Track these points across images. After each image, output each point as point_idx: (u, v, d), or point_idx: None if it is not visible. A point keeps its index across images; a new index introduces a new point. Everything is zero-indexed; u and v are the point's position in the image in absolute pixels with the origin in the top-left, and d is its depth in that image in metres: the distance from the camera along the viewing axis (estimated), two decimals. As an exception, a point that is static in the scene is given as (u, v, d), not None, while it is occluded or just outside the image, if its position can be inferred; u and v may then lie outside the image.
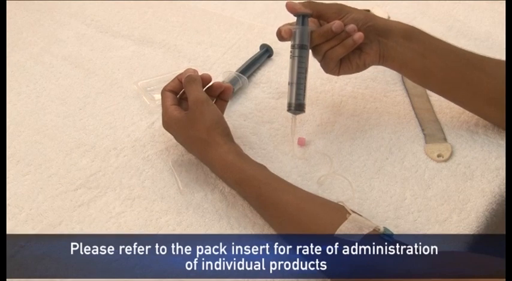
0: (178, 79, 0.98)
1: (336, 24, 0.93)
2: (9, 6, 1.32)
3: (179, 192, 0.95)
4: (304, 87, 0.96)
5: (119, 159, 1.01)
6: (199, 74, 0.97)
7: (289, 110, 0.97)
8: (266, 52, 1.19)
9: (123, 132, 1.05)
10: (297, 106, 0.96)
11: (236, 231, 0.89)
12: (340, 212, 0.81)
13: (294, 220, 0.83)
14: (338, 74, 0.99)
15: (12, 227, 0.91)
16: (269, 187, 0.87)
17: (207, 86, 0.97)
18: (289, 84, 0.97)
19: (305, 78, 0.96)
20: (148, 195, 0.95)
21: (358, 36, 0.94)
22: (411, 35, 0.96)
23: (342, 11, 0.96)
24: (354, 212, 0.81)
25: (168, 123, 0.96)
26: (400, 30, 0.96)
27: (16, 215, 0.93)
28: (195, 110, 0.93)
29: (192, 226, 0.91)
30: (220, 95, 0.99)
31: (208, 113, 0.92)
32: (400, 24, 0.98)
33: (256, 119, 1.05)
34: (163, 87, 0.98)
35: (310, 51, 0.96)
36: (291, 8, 0.96)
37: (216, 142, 0.91)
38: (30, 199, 0.95)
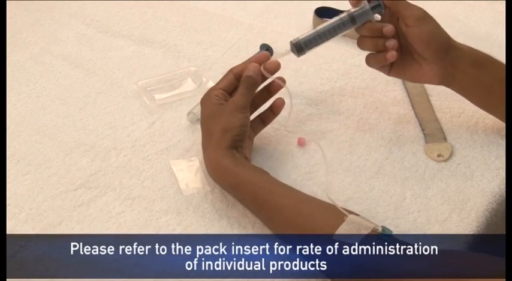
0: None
1: (387, 27, 0.92)
2: (9, 6, 1.32)
3: (179, 192, 0.95)
4: (320, 42, 0.95)
5: (119, 159, 1.01)
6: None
7: (291, 41, 0.95)
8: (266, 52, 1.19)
9: (123, 132, 1.05)
10: (299, 46, 0.95)
11: (236, 231, 0.89)
12: (337, 213, 0.81)
13: (291, 222, 0.83)
14: (388, 74, 0.98)
15: (12, 227, 0.91)
16: (264, 191, 0.86)
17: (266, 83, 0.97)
18: (313, 28, 0.96)
19: (326, 38, 0.95)
20: (148, 195, 0.95)
21: (391, 55, 0.93)
22: (480, 64, 0.94)
23: (423, 19, 0.93)
24: (351, 212, 0.81)
25: (205, 100, 0.95)
26: (470, 58, 0.94)
27: (16, 215, 0.93)
28: (228, 109, 0.91)
29: (192, 226, 0.90)
30: (272, 107, 0.98)
31: (236, 117, 0.91)
32: (473, 51, 0.95)
33: (256, 119, 1.05)
34: (232, 68, 0.96)
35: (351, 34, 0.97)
36: None
37: (220, 142, 0.90)
38: (30, 198, 0.95)
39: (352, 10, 0.94)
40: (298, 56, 0.96)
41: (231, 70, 0.96)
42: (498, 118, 0.98)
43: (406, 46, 0.95)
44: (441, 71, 0.94)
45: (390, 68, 0.97)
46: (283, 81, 0.97)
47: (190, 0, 1.35)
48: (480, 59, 0.94)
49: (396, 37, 0.94)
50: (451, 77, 0.94)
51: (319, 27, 0.96)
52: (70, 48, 1.24)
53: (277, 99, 0.98)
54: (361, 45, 0.96)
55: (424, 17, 0.93)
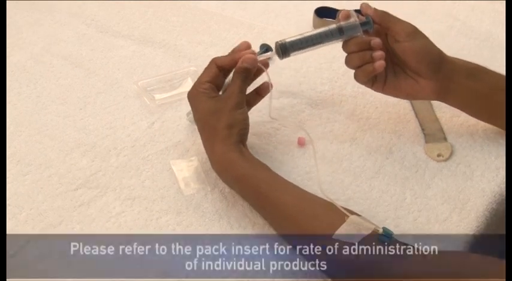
0: (234, 58, 0.94)
1: (375, 40, 0.92)
2: (9, 6, 1.32)
3: (179, 192, 0.95)
4: (305, 46, 0.95)
5: (119, 159, 1.01)
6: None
7: (276, 42, 0.95)
8: (266, 52, 1.19)
9: (123, 132, 1.05)
10: (284, 47, 0.94)
11: (236, 231, 0.89)
12: (340, 214, 0.81)
13: (293, 220, 0.83)
14: (383, 91, 0.97)
15: (12, 227, 0.91)
16: (269, 186, 0.86)
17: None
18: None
19: (313, 43, 0.95)
20: (148, 195, 0.95)
21: (378, 64, 0.92)
22: (475, 75, 0.94)
23: (414, 34, 0.93)
24: (352, 213, 0.81)
25: (195, 95, 0.94)
26: (464, 70, 0.94)
27: (16, 215, 0.93)
28: (228, 106, 0.91)
29: (192, 226, 0.90)
30: (258, 89, 0.98)
31: (238, 113, 0.91)
32: (466, 63, 0.95)
33: (256, 119, 1.05)
34: (214, 58, 0.95)
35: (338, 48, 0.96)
36: (363, 9, 0.94)
37: (228, 137, 0.89)
38: (31, 198, 0.95)
39: (342, 23, 0.94)
40: (282, 58, 0.95)
41: (214, 61, 0.95)
42: (497, 126, 0.98)
43: (398, 63, 0.95)
44: (437, 85, 0.94)
45: (384, 85, 0.96)
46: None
47: (190, 0, 1.35)
48: (474, 71, 0.94)
49: (385, 53, 0.94)
50: (447, 90, 0.94)
51: (306, 33, 0.95)
52: (70, 48, 1.24)
53: (263, 83, 0.97)
54: (349, 62, 0.96)
55: (415, 32, 0.93)
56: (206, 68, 0.95)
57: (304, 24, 1.27)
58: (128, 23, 1.30)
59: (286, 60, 0.96)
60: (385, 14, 0.95)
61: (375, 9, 0.94)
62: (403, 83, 0.95)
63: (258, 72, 0.97)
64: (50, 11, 1.34)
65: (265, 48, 1.19)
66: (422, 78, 0.94)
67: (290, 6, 1.34)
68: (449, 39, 1.23)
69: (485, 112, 0.97)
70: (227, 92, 0.93)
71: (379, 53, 0.92)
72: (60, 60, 1.21)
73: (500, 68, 1.14)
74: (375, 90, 0.97)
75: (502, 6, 1.28)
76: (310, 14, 1.26)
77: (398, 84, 0.95)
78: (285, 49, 0.94)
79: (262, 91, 0.98)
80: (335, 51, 1.14)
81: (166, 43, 1.24)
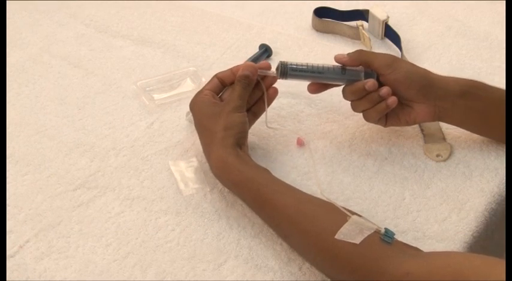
0: (233, 72, 0.95)
1: (369, 83, 0.92)
2: (9, 6, 1.32)
3: (178, 192, 0.95)
4: (302, 75, 0.95)
5: (118, 159, 1.01)
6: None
7: (280, 63, 0.95)
8: (265, 52, 1.19)
9: (122, 132, 1.05)
10: (284, 69, 0.95)
11: (235, 231, 0.89)
12: (340, 214, 0.80)
13: (293, 222, 0.83)
14: (385, 126, 0.98)
15: (12, 227, 0.91)
16: (267, 189, 0.86)
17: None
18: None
19: (309, 75, 0.95)
20: (147, 195, 0.95)
21: (392, 101, 0.92)
22: (470, 92, 0.93)
23: (394, 65, 0.93)
24: (353, 213, 0.81)
25: (195, 103, 0.95)
26: (457, 90, 0.93)
27: (15, 215, 0.93)
28: (226, 109, 0.92)
29: (191, 226, 0.90)
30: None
31: (235, 116, 0.91)
32: (458, 82, 0.94)
33: (256, 119, 1.05)
34: (217, 73, 0.97)
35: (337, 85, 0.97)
36: (337, 61, 0.95)
37: (224, 140, 0.89)
38: (30, 199, 0.95)
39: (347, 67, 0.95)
40: (280, 78, 0.96)
41: (216, 74, 0.97)
42: (496, 140, 0.98)
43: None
44: (432, 108, 0.94)
45: (386, 120, 0.97)
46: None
47: (189, 0, 1.35)
48: (469, 88, 0.93)
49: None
50: (442, 111, 0.94)
51: (309, 63, 0.96)
52: (69, 48, 1.24)
53: (269, 89, 0.98)
54: (357, 108, 0.96)
55: (394, 62, 0.94)
56: (208, 81, 0.97)
57: (303, 24, 1.27)
58: (127, 23, 1.30)
59: (285, 58, 0.96)
60: (360, 55, 0.95)
61: (348, 54, 0.95)
62: (400, 113, 0.96)
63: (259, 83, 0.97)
64: (49, 11, 1.34)
65: (265, 48, 1.19)
66: (416, 103, 0.94)
67: (289, 6, 1.34)
68: (448, 39, 1.23)
69: (483, 128, 0.96)
70: (227, 98, 0.94)
71: (385, 90, 0.92)
72: (59, 60, 1.21)
73: (499, 68, 1.15)
74: (380, 125, 0.98)
75: (501, 7, 1.28)
76: (309, 14, 1.26)
77: (397, 115, 0.96)
78: (284, 72, 0.95)
79: (268, 100, 0.98)
80: (334, 51, 1.14)
81: (165, 43, 1.24)
